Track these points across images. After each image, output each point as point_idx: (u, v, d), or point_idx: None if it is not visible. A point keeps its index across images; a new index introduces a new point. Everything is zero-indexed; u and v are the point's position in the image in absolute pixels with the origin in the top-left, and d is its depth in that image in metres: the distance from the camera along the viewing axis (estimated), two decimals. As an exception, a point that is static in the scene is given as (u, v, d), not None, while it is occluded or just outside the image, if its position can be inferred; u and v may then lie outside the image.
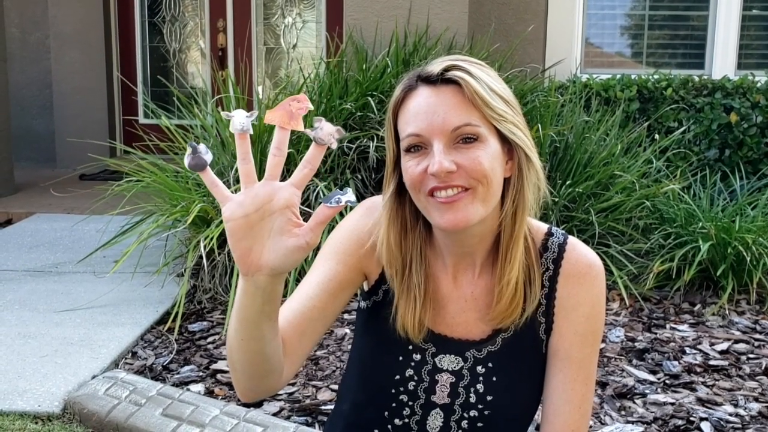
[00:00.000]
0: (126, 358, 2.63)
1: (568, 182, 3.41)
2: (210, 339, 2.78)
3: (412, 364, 1.09)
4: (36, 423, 2.19)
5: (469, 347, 1.09)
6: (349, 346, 2.66)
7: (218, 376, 2.49)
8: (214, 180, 0.84)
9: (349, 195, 0.84)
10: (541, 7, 5.16)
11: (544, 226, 1.13)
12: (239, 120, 0.83)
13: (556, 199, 3.32)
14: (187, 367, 2.56)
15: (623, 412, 2.27)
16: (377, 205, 1.12)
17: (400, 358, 1.09)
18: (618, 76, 4.67)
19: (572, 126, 3.67)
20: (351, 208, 1.07)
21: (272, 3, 6.05)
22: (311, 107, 0.84)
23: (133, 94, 6.02)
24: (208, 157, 0.84)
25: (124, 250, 3.21)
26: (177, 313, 2.87)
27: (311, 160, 0.83)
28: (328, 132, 0.84)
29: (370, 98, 3.52)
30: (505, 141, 1.03)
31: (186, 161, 0.83)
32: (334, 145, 0.84)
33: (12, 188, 5.10)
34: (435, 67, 1.02)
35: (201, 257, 3.14)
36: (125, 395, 2.29)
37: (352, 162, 3.49)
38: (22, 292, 3.25)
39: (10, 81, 5.51)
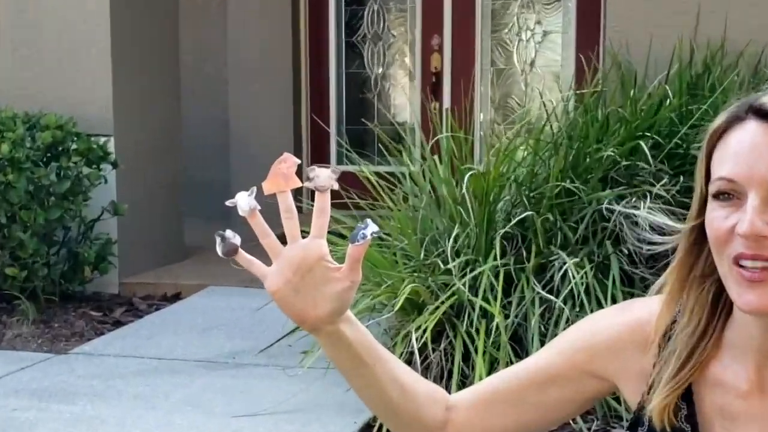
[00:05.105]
0: (318, 484, 2.77)
1: None
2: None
3: None
4: None
5: None
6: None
7: None
8: (249, 259, 1.10)
9: (372, 226, 1.08)
10: None
11: None
12: (243, 201, 1.09)
13: None
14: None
15: None
16: (635, 307, 1.20)
17: None
18: None
19: None
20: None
21: (504, 11, 6.22)
22: (299, 161, 1.11)
23: (325, 133, 6.37)
24: (237, 239, 1.11)
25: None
26: (381, 427, 2.97)
27: (321, 209, 1.10)
28: (325, 177, 1.09)
29: (641, 141, 3.48)
30: None
31: (219, 250, 1.11)
32: (335, 186, 1.10)
33: (182, 253, 5.58)
34: None
35: (412, 353, 3.24)
36: None
37: (614, 229, 3.44)
38: (195, 389, 3.56)
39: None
